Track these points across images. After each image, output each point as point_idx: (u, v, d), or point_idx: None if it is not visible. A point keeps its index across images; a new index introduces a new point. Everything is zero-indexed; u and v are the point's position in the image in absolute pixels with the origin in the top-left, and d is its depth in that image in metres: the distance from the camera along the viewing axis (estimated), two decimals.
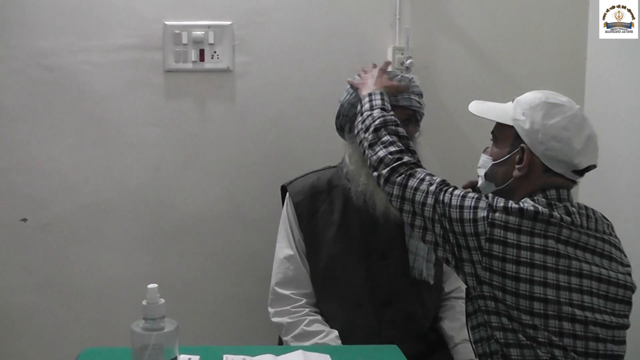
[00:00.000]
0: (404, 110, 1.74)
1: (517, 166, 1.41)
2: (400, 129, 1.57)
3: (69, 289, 2.13)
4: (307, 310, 1.77)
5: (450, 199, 1.38)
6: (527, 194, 1.40)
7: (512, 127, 1.43)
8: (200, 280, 2.18)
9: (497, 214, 1.33)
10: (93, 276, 2.14)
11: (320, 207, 1.83)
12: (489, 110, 1.51)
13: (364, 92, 1.70)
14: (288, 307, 1.77)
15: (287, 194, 1.87)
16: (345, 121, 1.80)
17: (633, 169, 1.95)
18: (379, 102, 1.64)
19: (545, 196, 1.39)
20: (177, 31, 2.08)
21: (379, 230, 1.77)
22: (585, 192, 2.13)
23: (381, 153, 1.51)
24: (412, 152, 1.54)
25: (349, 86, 1.81)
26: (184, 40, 2.08)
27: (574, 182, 1.43)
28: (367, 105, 1.64)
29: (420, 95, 1.79)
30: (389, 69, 1.86)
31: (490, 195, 1.40)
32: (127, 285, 2.11)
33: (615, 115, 2.04)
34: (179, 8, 2.09)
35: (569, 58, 2.25)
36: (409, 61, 2.08)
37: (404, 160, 1.49)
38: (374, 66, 1.82)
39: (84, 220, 2.12)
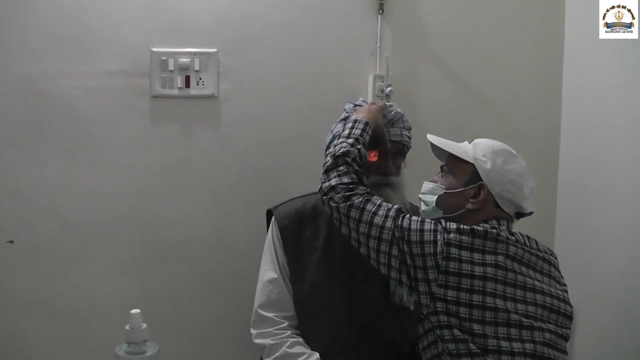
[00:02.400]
0: (395, 144, 1.80)
1: (471, 200, 1.55)
2: (356, 165, 1.63)
3: (55, 310, 2.13)
4: (289, 332, 1.78)
5: (410, 224, 1.49)
6: (473, 224, 1.51)
7: (470, 164, 1.57)
8: (184, 302, 2.20)
9: (451, 235, 1.45)
10: (79, 298, 2.14)
11: (305, 232, 1.85)
12: (447, 144, 1.64)
13: (355, 115, 1.74)
14: (270, 329, 1.78)
15: (273, 217, 1.89)
16: None
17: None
18: (358, 131, 1.68)
19: (487, 223, 1.53)
20: (164, 58, 2.11)
21: (362, 256, 1.80)
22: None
23: (334, 181, 1.59)
24: (365, 186, 1.61)
25: (341, 117, 1.83)
26: (170, 67, 2.12)
27: (513, 221, 1.59)
28: (346, 132, 1.69)
29: (410, 129, 1.84)
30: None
31: (442, 220, 1.52)
32: (113, 307, 2.11)
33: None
34: (165, 35, 2.13)
35: (546, 85, 2.30)
36: (389, 89, 2.13)
37: (356, 191, 1.57)
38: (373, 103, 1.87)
39: (71, 242, 2.13)
